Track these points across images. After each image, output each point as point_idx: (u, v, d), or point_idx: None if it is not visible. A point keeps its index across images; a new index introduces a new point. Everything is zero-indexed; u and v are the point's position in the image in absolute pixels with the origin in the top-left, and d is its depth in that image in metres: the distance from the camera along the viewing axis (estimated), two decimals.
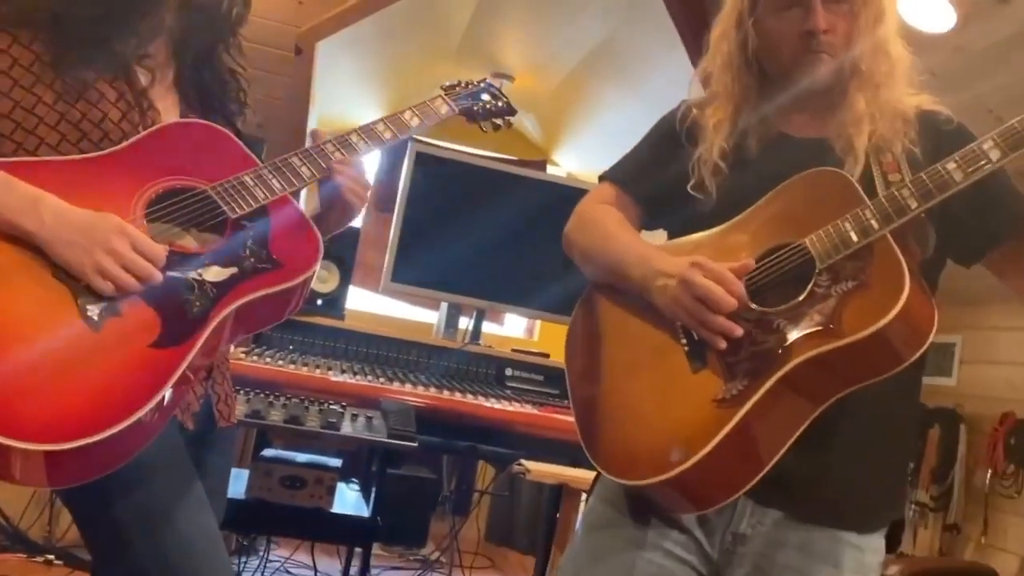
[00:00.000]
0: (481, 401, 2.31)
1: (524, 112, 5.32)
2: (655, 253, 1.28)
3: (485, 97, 1.58)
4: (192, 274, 1.14)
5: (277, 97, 3.21)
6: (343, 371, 2.36)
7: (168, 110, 1.29)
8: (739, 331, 1.15)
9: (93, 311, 1.06)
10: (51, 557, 3.15)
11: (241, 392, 2.06)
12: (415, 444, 1.99)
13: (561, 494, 2.46)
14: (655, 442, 1.17)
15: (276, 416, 1.97)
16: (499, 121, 1.62)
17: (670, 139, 1.38)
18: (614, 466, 1.21)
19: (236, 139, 1.28)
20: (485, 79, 1.63)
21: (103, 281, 1.06)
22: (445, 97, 1.52)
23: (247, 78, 1.42)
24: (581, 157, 5.27)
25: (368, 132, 1.38)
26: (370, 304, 4.47)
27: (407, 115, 1.44)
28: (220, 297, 1.14)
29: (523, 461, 2.26)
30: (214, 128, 1.28)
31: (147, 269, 1.09)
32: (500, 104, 1.61)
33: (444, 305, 2.91)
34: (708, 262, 1.18)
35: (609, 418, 1.27)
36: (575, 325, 1.39)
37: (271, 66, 3.12)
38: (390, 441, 1.98)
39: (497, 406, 2.30)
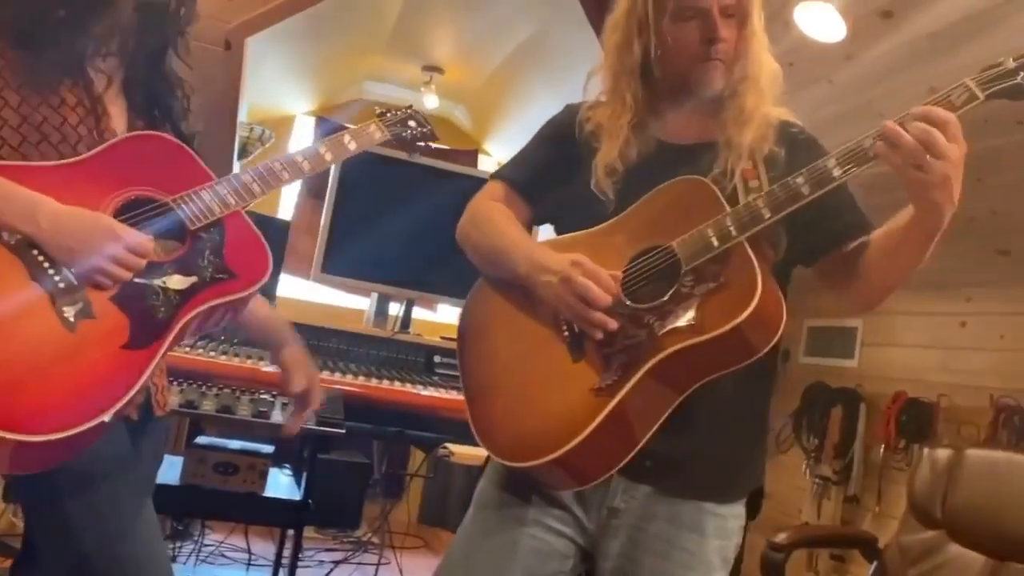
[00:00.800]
0: (408, 388, 2.40)
1: (455, 103, 5.43)
2: (540, 249, 1.36)
3: (412, 124, 1.68)
4: (157, 281, 1.22)
5: (205, 90, 3.22)
6: (274, 361, 2.43)
7: (118, 115, 1.35)
8: (614, 325, 1.25)
9: (69, 313, 1.14)
10: None
11: (175, 383, 2.11)
12: (343, 431, 2.09)
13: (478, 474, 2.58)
14: (540, 427, 1.28)
15: (209, 405, 2.04)
16: (423, 145, 1.72)
17: (560, 141, 1.46)
18: (502, 450, 1.31)
19: (192, 152, 1.36)
20: (411, 106, 1.73)
21: (102, 278, 1.16)
22: (379, 124, 1.61)
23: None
24: (511, 146, 5.26)
25: (312, 155, 1.46)
26: (302, 291, 4.52)
27: (346, 139, 1.53)
28: (182, 304, 1.23)
29: (448, 444, 2.38)
30: (172, 141, 1.35)
31: (138, 263, 1.19)
32: (425, 130, 1.71)
33: (374, 295, 3.00)
34: (587, 261, 1.27)
35: (498, 404, 1.35)
36: (467, 315, 1.48)
37: (200, 60, 3.14)
38: (319, 428, 2.07)
39: (424, 392, 2.39)
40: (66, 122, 1.25)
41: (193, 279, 1.26)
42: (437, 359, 2.72)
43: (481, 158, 5.70)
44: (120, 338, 1.17)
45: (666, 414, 1.24)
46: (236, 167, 4.07)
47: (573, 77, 4.20)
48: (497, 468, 1.41)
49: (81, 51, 1.28)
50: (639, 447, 1.24)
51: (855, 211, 1.36)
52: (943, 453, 2.24)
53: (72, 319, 1.14)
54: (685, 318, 1.22)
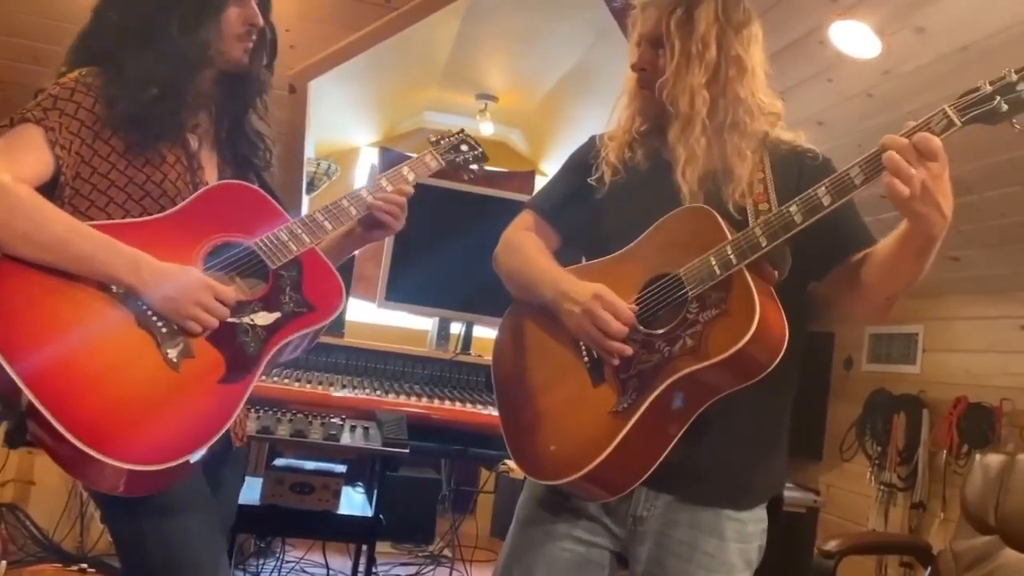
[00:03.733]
0: (470, 407, 2.53)
1: (510, 128, 5.57)
2: (565, 278, 1.45)
3: (464, 148, 1.82)
4: (246, 319, 1.37)
5: (274, 133, 3.42)
6: (343, 386, 2.58)
7: (210, 168, 1.52)
8: (629, 351, 1.34)
9: (172, 354, 1.29)
10: (84, 566, 3.36)
11: (252, 410, 2.29)
12: (407, 451, 2.22)
13: None
14: (566, 447, 1.37)
15: (283, 431, 2.21)
16: (476, 167, 1.85)
17: (581, 171, 1.55)
18: (535, 468, 1.42)
19: (269, 197, 1.51)
20: (462, 129, 1.86)
21: (194, 325, 1.30)
22: (433, 153, 1.75)
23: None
24: None
25: (375, 188, 1.61)
26: (369, 315, 4.70)
27: (405, 170, 1.68)
28: (269, 338, 1.38)
29: (507, 461, 2.48)
30: (251, 188, 1.51)
31: (223, 312, 1.33)
32: (476, 152, 1.84)
33: (435, 319, 3.14)
34: (608, 294, 1.36)
35: (530, 426, 1.45)
36: (501, 338, 1.57)
37: (268, 105, 3.34)
38: (384, 449, 2.22)
39: (484, 412, 2.51)
40: (166, 178, 1.42)
41: (277, 314, 1.41)
42: None
43: (539, 179, 5.80)
44: (217, 373, 1.32)
45: (682, 431, 1.32)
46: (304, 201, 4.29)
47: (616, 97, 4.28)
48: (532, 485, 1.52)
49: (180, 121, 1.45)
50: (659, 461, 1.32)
51: (855, 226, 1.40)
52: (995, 458, 2.26)
53: (175, 359, 1.29)
54: (691, 344, 1.29)
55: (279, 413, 2.33)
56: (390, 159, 5.48)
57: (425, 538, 4.28)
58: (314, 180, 4.43)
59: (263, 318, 1.39)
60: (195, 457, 1.24)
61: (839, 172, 1.24)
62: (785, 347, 1.26)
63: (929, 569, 2.27)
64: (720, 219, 1.34)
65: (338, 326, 2.92)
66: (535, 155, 5.86)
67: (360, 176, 5.81)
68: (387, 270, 3.04)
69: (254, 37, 1.50)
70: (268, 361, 1.38)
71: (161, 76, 1.40)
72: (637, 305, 1.38)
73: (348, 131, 4.98)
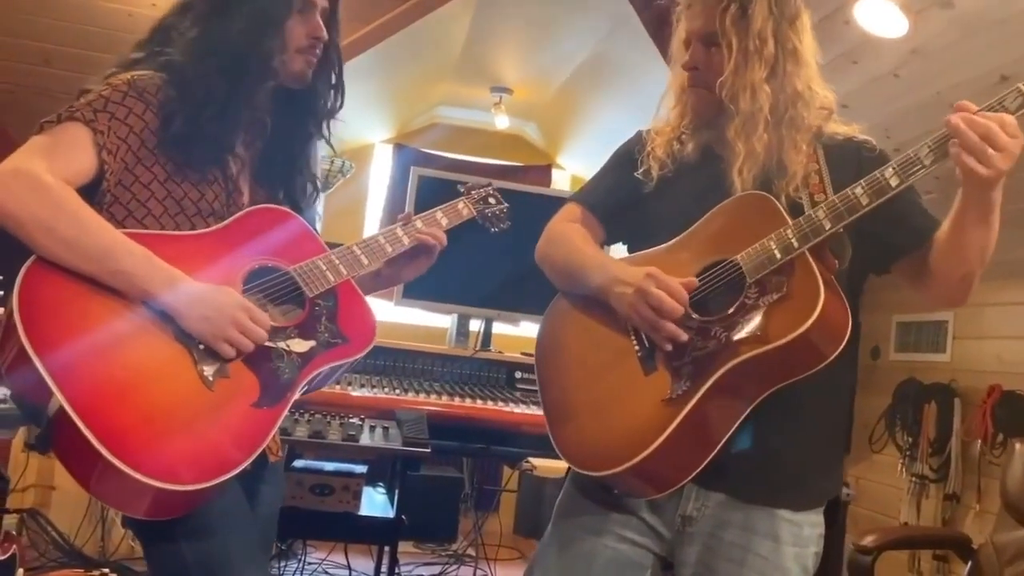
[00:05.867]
0: (491, 405, 2.47)
1: (525, 121, 5.51)
2: (614, 264, 1.43)
3: (491, 201, 1.81)
4: (282, 345, 1.34)
5: None
6: (362, 385, 2.52)
7: (246, 191, 1.48)
8: (684, 336, 1.30)
9: (208, 372, 1.25)
10: (106, 571, 3.34)
11: None
12: (428, 450, 2.16)
13: (560, 486, 2.62)
14: (615, 437, 1.33)
15: (302, 432, 2.15)
16: (503, 225, 1.84)
17: (626, 164, 1.53)
18: (581, 460, 1.37)
19: (308, 225, 1.48)
20: (490, 183, 1.86)
21: (229, 347, 1.26)
22: (466, 202, 1.75)
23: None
24: (583, 159, 5.41)
25: (410, 230, 1.59)
26: (386, 313, 4.66)
27: (439, 215, 1.67)
28: (303, 366, 1.35)
29: (530, 459, 2.43)
30: (291, 215, 1.47)
31: (261, 335, 1.29)
32: (502, 208, 1.83)
33: (455, 315, 3.08)
34: (661, 274, 1.32)
35: (576, 416, 1.41)
36: (544, 331, 1.54)
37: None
38: (404, 448, 2.15)
39: (506, 409, 2.46)
40: (203, 198, 1.38)
41: (312, 343, 1.38)
42: (518, 375, 2.78)
43: (555, 172, 5.75)
44: (251, 396, 1.28)
45: (738, 423, 1.28)
46: (319, 200, 4.25)
47: (634, 89, 4.28)
48: (575, 479, 1.47)
49: (229, 145, 1.40)
50: (712, 455, 1.28)
51: (921, 216, 1.38)
52: None
53: (211, 378, 1.25)
54: (750, 329, 1.26)
55: (296, 414, 2.27)
56: (405, 157, 5.45)
57: (448, 537, 4.23)
58: (328, 178, 4.39)
59: (298, 345, 1.36)
60: (215, 482, 1.19)
61: (906, 153, 1.21)
62: (848, 335, 1.22)
63: (970, 564, 2.19)
64: (779, 204, 1.31)
65: None
66: (551, 148, 5.80)
67: (376, 174, 5.78)
68: None
69: (318, 52, 1.45)
70: (302, 388, 1.34)
71: (223, 91, 1.35)
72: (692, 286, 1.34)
73: (361, 128, 4.95)
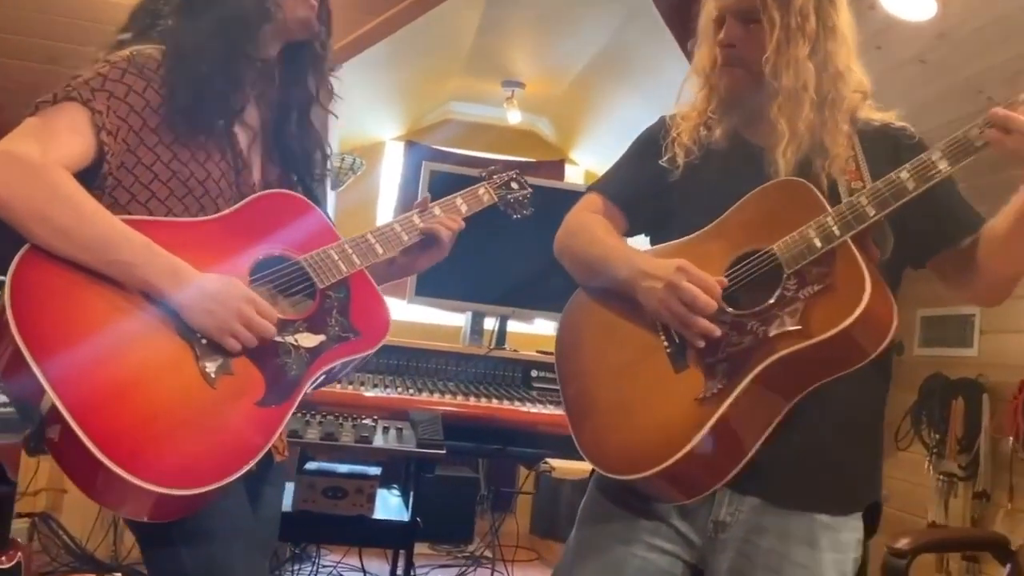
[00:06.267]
0: (507, 405, 2.41)
1: (537, 116, 5.47)
2: (640, 256, 1.37)
3: (514, 186, 1.73)
4: (289, 339, 1.27)
5: None
6: (374, 385, 2.47)
7: (256, 168, 1.41)
8: (718, 332, 1.24)
9: (211, 368, 1.18)
10: (118, 575, 3.33)
11: None
12: (443, 451, 2.10)
13: (582, 488, 2.56)
14: (644, 439, 1.27)
15: (313, 434, 2.09)
16: (525, 212, 1.75)
17: (649, 152, 1.47)
18: (608, 462, 1.31)
19: (320, 211, 1.41)
20: (516, 170, 1.77)
21: (233, 341, 1.20)
22: (487, 187, 1.67)
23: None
24: (597, 154, 5.36)
25: (427, 216, 1.53)
26: (399, 312, 4.60)
27: (458, 201, 1.59)
28: (311, 361, 1.28)
29: (548, 460, 2.37)
30: (302, 200, 1.41)
31: (268, 330, 1.22)
32: (526, 192, 1.75)
33: (469, 313, 3.01)
34: (692, 267, 1.27)
35: (601, 417, 1.35)
36: (564, 327, 1.48)
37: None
38: (419, 451, 2.10)
39: (522, 408, 2.40)
40: (209, 176, 1.31)
41: (322, 337, 1.31)
42: (535, 373, 2.72)
43: (568, 168, 5.69)
44: (255, 394, 1.22)
45: (775, 423, 1.22)
46: (331, 198, 4.20)
47: (651, 80, 4.20)
48: (600, 483, 1.41)
49: (234, 106, 1.33)
50: (748, 457, 1.22)
51: (964, 209, 1.32)
52: None
53: (213, 375, 1.18)
54: (790, 323, 1.20)
55: (308, 415, 2.22)
56: (417, 154, 5.40)
57: (464, 538, 4.18)
58: (339, 175, 4.35)
59: (307, 339, 1.29)
60: (217, 485, 1.13)
61: (959, 132, 1.15)
62: (894, 329, 1.16)
63: (1009, 566, 2.10)
64: (817, 191, 1.25)
65: None
66: (564, 144, 5.75)
67: (387, 171, 5.73)
68: None
69: None
70: (310, 385, 1.28)
71: (221, 45, 1.28)
72: (726, 279, 1.28)
73: (372, 124, 4.92)
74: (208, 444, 1.15)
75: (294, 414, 2.13)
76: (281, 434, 1.44)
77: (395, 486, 2.99)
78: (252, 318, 1.22)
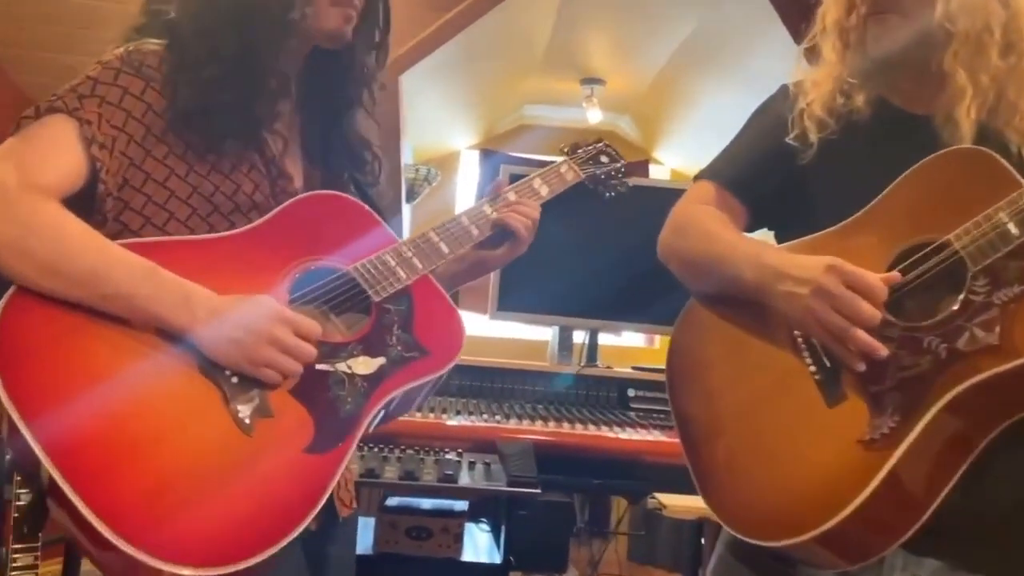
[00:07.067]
0: (604, 431, 2.21)
1: (619, 114, 5.32)
2: (774, 253, 1.16)
3: (604, 160, 1.52)
4: (342, 366, 1.07)
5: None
6: (457, 412, 2.30)
7: (297, 177, 1.23)
8: (883, 351, 1.02)
9: (245, 412, 0.99)
10: None
11: (356, 448, 2.01)
12: (538, 490, 1.90)
13: (703, 528, 2.29)
14: (794, 493, 1.05)
15: (391, 472, 1.92)
16: (617, 185, 1.54)
17: (772, 128, 1.25)
18: (748, 524, 1.09)
19: (372, 212, 1.22)
20: (601, 139, 1.57)
21: (270, 372, 1.00)
22: (570, 163, 1.45)
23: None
24: (684, 152, 5.19)
25: (502, 203, 1.33)
26: (481, 328, 4.43)
27: (536, 183, 1.38)
28: (371, 391, 1.07)
29: (657, 495, 2.13)
30: (351, 201, 1.21)
31: (307, 353, 1.03)
32: (618, 166, 1.53)
33: (555, 327, 2.81)
34: (846, 265, 1.04)
35: (731, 463, 1.14)
36: (677, 348, 1.27)
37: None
38: (511, 490, 1.90)
39: (622, 435, 2.19)
40: (239, 189, 1.12)
41: (381, 360, 1.10)
42: (631, 392, 2.50)
43: (652, 168, 5.48)
44: (302, 439, 1.00)
45: (964, 467, 0.99)
46: (405, 212, 4.03)
47: (746, 67, 3.91)
48: (734, 546, 1.19)
49: (256, 113, 1.14)
50: (930, 512, 0.99)
51: None
52: None
53: (248, 420, 0.98)
54: (985, 336, 0.98)
55: (386, 450, 2.04)
56: (493, 162, 5.22)
57: (557, 567, 3.94)
58: (414, 187, 4.19)
59: (363, 365, 1.08)
60: (257, 560, 0.93)
61: None
62: None
63: None
64: (1006, 163, 1.02)
65: None
66: (648, 142, 5.56)
67: (463, 182, 5.62)
68: (498, 276, 2.73)
69: (357, 3, 1.17)
70: (370, 422, 1.07)
71: (231, 46, 1.10)
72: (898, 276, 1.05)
73: (446, 133, 4.83)
74: (246, 507, 0.95)
75: (369, 449, 2.01)
76: (345, 482, 1.25)
77: (484, 520, 2.79)
78: (287, 341, 1.01)
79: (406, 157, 4.03)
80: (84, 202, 1.04)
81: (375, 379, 1.08)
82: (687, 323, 1.28)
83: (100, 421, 0.92)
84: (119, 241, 1.02)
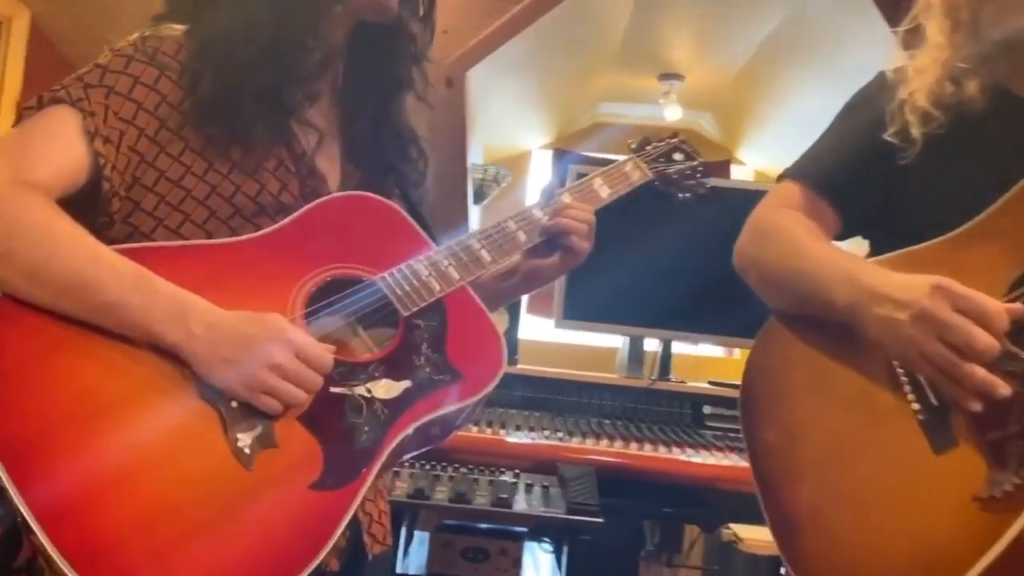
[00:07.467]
0: (676, 453, 2.06)
1: (699, 112, 5.16)
2: (870, 270, 1.03)
3: (677, 157, 1.37)
4: (360, 390, 0.96)
5: (431, 135, 3.10)
6: (517, 427, 2.18)
7: (332, 177, 1.13)
8: (1007, 389, 0.88)
9: (245, 442, 0.89)
10: None
11: (406, 464, 1.91)
12: (599, 520, 1.77)
13: (782, 567, 2.10)
14: (888, 556, 0.93)
15: (442, 494, 1.81)
16: (694, 185, 1.39)
17: (870, 121, 1.13)
18: None
19: (406, 215, 1.11)
20: (676, 134, 1.43)
21: (269, 400, 0.90)
22: (636, 161, 1.32)
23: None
24: (769, 152, 4.98)
25: (556, 207, 1.21)
26: (546, 334, 4.31)
27: (596, 183, 1.25)
28: (392, 420, 0.96)
29: (732, 525, 1.97)
30: (382, 203, 1.11)
31: (312, 381, 0.92)
32: (695, 165, 1.39)
33: (627, 338, 2.67)
34: (956, 285, 0.92)
35: (814, 513, 1.02)
36: (755, 373, 1.15)
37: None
38: (571, 518, 1.77)
39: (696, 459, 2.04)
40: (264, 190, 1.03)
41: (406, 384, 0.98)
42: (707, 410, 2.36)
43: (734, 169, 5.30)
44: (309, 474, 0.90)
45: None
46: (473, 213, 3.92)
47: (837, 60, 3.70)
48: None
49: (287, 101, 1.04)
50: None
51: None
52: None
53: (248, 450, 0.88)
54: None
55: (438, 467, 1.93)
56: (566, 163, 5.10)
57: None
58: (482, 188, 4.09)
59: (385, 388, 0.98)
60: None
61: None
62: None
63: None
64: None
65: (511, 351, 2.49)
66: (729, 142, 5.37)
67: (534, 183, 5.53)
68: (564, 282, 2.61)
69: None
70: (389, 457, 0.95)
71: (268, 23, 1.00)
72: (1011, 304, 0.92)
73: (516, 133, 4.77)
74: (240, 553, 0.85)
75: (421, 466, 1.89)
76: (378, 514, 1.13)
77: (546, 540, 2.65)
78: (290, 367, 0.90)
79: (476, 157, 3.94)
80: (88, 202, 0.95)
81: (398, 405, 0.96)
82: (767, 344, 1.16)
83: (78, 449, 0.82)
84: (116, 247, 0.93)
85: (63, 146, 0.94)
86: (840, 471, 1.01)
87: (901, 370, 0.99)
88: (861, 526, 0.97)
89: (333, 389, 0.94)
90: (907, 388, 0.98)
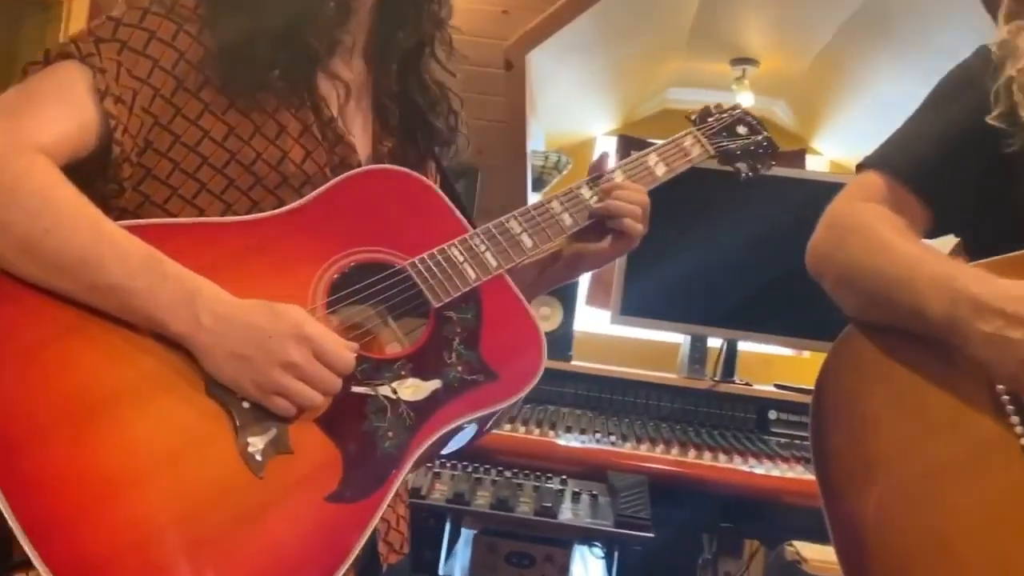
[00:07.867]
0: (737, 463, 1.95)
1: (773, 98, 4.98)
2: (973, 276, 0.92)
3: (742, 130, 1.29)
4: (385, 390, 0.89)
5: (491, 119, 3.00)
6: (568, 428, 2.09)
7: (363, 143, 1.06)
8: None
9: (257, 446, 0.82)
10: None
11: (447, 464, 1.82)
12: (651, 535, 1.67)
13: None
14: None
15: (482, 500, 1.73)
16: (758, 165, 1.30)
17: (968, 101, 1.03)
18: None
19: (440, 193, 1.04)
20: (738, 105, 1.35)
21: (281, 402, 0.83)
22: (696, 136, 1.22)
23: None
24: (848, 142, 4.77)
25: (605, 184, 1.14)
26: (602, 327, 4.21)
27: (652, 160, 1.17)
28: (419, 424, 0.89)
29: (795, 543, 1.84)
30: (416, 179, 1.03)
31: (330, 383, 0.85)
32: (760, 139, 1.29)
33: (688, 336, 2.55)
34: None
35: (903, 562, 0.90)
36: (829, 390, 1.03)
37: (481, 87, 2.92)
38: (617, 531, 1.67)
39: (758, 469, 1.92)
40: (287, 158, 0.96)
41: (435, 384, 0.91)
42: (772, 415, 2.26)
43: (809, 158, 5.13)
44: (327, 484, 0.83)
45: None
46: (532, 201, 3.83)
47: (925, 43, 3.48)
48: None
49: (312, 55, 0.96)
50: None
51: None
52: None
53: (260, 456, 0.81)
54: None
55: (481, 470, 1.85)
56: (632, 149, 5.00)
57: None
58: (543, 175, 3.98)
59: (412, 389, 0.91)
60: None
61: None
62: None
63: None
64: None
65: (562, 351, 2.41)
66: (805, 130, 5.18)
67: None
68: (623, 274, 2.50)
69: None
70: (415, 462, 0.88)
71: None
72: None
73: (580, 118, 4.67)
74: (246, 573, 0.77)
75: (463, 468, 1.81)
76: (397, 520, 1.06)
77: (597, 544, 2.55)
78: (307, 367, 0.82)
79: (538, 143, 3.83)
80: (97, 167, 0.88)
81: (425, 408, 0.88)
82: (844, 358, 1.03)
83: (72, 451, 0.75)
84: (122, 223, 0.85)
85: (70, 106, 0.87)
86: (933, 513, 0.90)
87: (1007, 396, 0.89)
88: (962, 566, 0.87)
89: (355, 389, 0.87)
90: (1015, 418, 0.89)
